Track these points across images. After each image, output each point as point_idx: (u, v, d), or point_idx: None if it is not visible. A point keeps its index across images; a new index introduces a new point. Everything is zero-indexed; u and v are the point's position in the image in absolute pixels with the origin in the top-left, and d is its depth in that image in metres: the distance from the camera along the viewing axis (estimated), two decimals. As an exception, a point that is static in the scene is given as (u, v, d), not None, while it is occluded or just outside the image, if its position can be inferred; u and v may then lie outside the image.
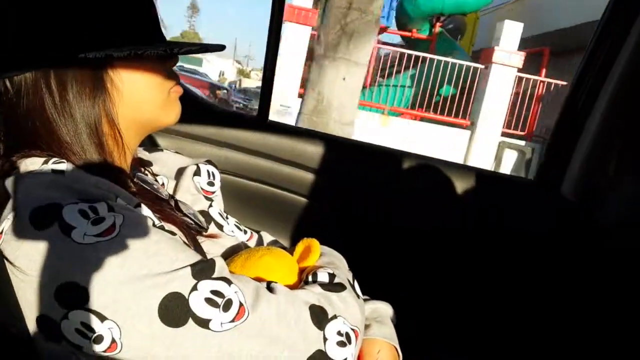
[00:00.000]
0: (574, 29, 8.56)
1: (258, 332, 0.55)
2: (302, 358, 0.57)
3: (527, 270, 1.30)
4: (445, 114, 7.79)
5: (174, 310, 0.51)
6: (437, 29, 8.80)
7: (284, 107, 6.89)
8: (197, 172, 0.87)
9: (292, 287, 0.69)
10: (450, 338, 1.33)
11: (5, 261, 0.52)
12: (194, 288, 0.53)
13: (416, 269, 1.35)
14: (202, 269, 0.54)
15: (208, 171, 0.90)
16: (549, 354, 1.27)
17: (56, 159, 0.59)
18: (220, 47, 0.72)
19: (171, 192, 0.83)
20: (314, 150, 1.31)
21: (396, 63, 7.80)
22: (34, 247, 0.51)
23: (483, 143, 7.53)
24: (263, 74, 1.37)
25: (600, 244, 1.21)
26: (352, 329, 0.63)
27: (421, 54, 7.66)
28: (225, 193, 0.96)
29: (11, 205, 0.54)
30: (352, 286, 0.72)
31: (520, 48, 7.66)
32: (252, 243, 0.93)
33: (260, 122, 1.36)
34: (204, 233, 0.78)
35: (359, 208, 1.34)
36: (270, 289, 0.61)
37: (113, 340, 0.51)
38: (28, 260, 0.51)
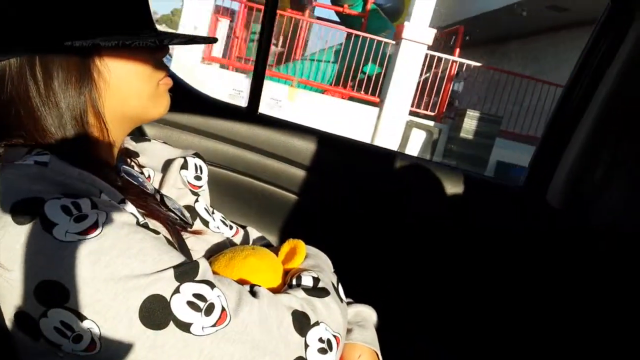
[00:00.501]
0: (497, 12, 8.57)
1: (240, 337, 0.54)
2: None
3: (511, 270, 1.32)
4: (363, 91, 7.66)
5: (155, 313, 0.50)
6: (370, 5, 8.56)
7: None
8: (185, 166, 0.86)
9: (276, 289, 0.68)
10: (435, 331, 1.35)
11: None
12: (176, 291, 0.52)
13: (402, 267, 1.35)
14: (185, 272, 0.53)
15: (196, 165, 0.89)
16: (534, 349, 1.30)
17: (39, 149, 0.57)
18: (211, 40, 0.71)
19: (157, 185, 0.82)
20: (304, 145, 1.30)
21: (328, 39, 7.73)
22: (14, 242, 0.49)
23: (390, 121, 7.30)
24: (255, 65, 1.35)
25: (585, 249, 1.22)
26: (333, 336, 0.63)
27: (347, 30, 7.56)
28: (212, 185, 0.95)
29: None
30: (336, 290, 0.71)
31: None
32: (237, 239, 0.92)
33: (251, 114, 1.35)
34: (189, 229, 0.77)
35: (347, 206, 1.34)
36: (253, 293, 0.60)
37: (92, 340, 0.50)
38: (8, 255, 0.49)
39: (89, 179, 0.57)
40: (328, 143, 1.33)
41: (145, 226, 0.57)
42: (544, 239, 1.29)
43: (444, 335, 1.35)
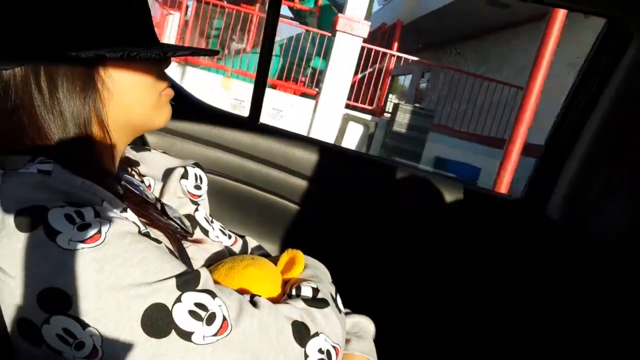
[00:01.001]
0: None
1: (240, 347, 0.55)
2: None
3: (507, 281, 1.32)
4: (306, 84, 7.64)
5: (157, 321, 0.51)
6: (321, 1, 8.58)
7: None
8: (185, 175, 0.86)
9: (275, 299, 0.69)
10: (433, 341, 1.35)
11: None
12: (178, 300, 0.52)
13: (400, 277, 1.35)
14: (187, 281, 0.54)
15: (195, 174, 0.89)
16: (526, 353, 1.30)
17: (42, 158, 0.57)
18: (213, 52, 0.72)
19: (157, 194, 0.82)
20: (304, 156, 1.31)
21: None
22: (18, 249, 0.50)
23: (326, 114, 7.20)
24: (256, 74, 1.36)
25: (582, 263, 1.22)
26: (333, 346, 0.63)
27: (298, 26, 7.58)
28: (212, 194, 0.95)
29: None
30: (335, 300, 0.72)
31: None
32: (236, 248, 0.92)
33: (251, 123, 1.35)
34: (189, 238, 0.77)
35: (346, 217, 1.34)
36: (253, 302, 0.60)
37: (94, 348, 0.50)
38: (11, 262, 0.50)
39: (92, 188, 0.57)
40: (328, 153, 1.34)
41: (147, 235, 0.58)
42: (542, 251, 1.29)
43: (442, 344, 1.35)
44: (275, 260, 0.77)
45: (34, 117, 0.58)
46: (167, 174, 0.86)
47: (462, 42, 11.12)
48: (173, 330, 0.51)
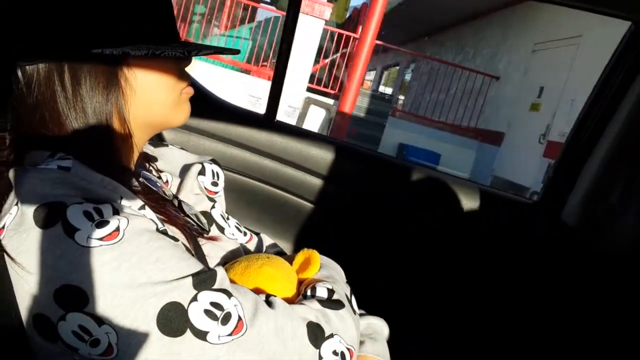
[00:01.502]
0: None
1: (255, 347, 0.55)
2: None
3: (520, 284, 1.31)
4: (269, 67, 7.49)
5: (173, 320, 0.51)
6: None
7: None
8: (202, 172, 0.87)
9: (290, 299, 0.69)
10: (447, 343, 1.35)
11: (6, 256, 0.51)
12: (194, 299, 0.52)
13: (415, 279, 1.35)
14: (204, 280, 0.54)
15: (213, 171, 0.89)
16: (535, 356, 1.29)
17: (62, 154, 0.58)
18: (234, 51, 0.72)
19: (175, 191, 0.83)
20: (320, 154, 1.31)
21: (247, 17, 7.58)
22: (36, 245, 0.50)
23: (287, 96, 6.88)
24: (274, 73, 1.36)
25: (597, 271, 1.21)
26: (347, 348, 0.63)
27: (271, 10, 7.40)
28: (228, 191, 0.96)
29: (14, 199, 0.53)
30: (350, 301, 0.71)
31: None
32: (251, 245, 0.93)
33: (268, 121, 1.35)
34: (206, 235, 0.77)
35: (361, 216, 1.34)
36: (269, 303, 0.60)
37: (110, 345, 0.50)
38: (29, 258, 0.50)
39: (111, 184, 0.58)
40: (344, 153, 1.33)
41: (165, 233, 0.58)
42: (555, 256, 1.28)
43: (456, 346, 1.34)
44: (290, 259, 0.77)
45: (55, 113, 0.58)
46: (185, 170, 0.86)
47: (442, 32, 11.17)
48: (188, 329, 0.51)
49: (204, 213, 0.82)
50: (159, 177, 0.81)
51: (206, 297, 0.53)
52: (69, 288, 0.49)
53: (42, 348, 0.53)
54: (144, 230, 0.54)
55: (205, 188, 0.86)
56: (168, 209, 0.68)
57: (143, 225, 0.54)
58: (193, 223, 0.75)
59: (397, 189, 1.33)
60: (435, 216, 1.33)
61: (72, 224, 0.50)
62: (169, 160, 0.88)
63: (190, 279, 0.53)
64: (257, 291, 0.64)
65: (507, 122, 7.47)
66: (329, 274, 0.75)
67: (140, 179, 0.71)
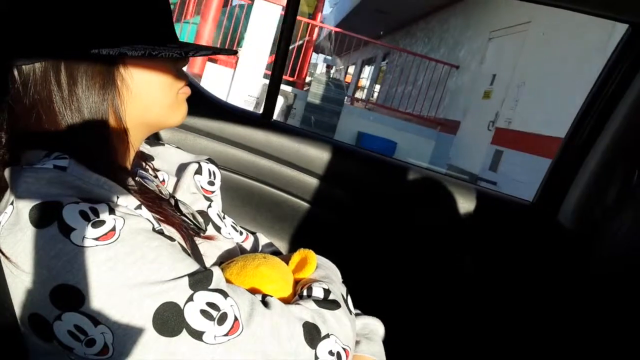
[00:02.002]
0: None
1: (251, 348, 0.55)
2: None
3: (515, 285, 1.31)
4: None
5: (169, 320, 0.51)
6: None
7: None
8: (199, 171, 0.87)
9: (286, 299, 0.68)
10: (440, 343, 1.35)
11: (1, 255, 0.51)
12: (190, 299, 0.52)
13: (409, 277, 1.35)
14: (200, 280, 0.54)
15: (209, 170, 0.89)
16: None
17: (58, 153, 0.58)
18: (232, 52, 0.72)
19: (171, 190, 0.82)
20: (317, 154, 1.31)
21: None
22: (32, 245, 0.50)
23: (244, 83, 6.87)
24: (272, 72, 1.36)
25: (593, 272, 1.21)
26: (343, 348, 0.63)
27: None
28: (224, 190, 0.95)
29: (9, 198, 0.53)
30: (346, 302, 0.71)
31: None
32: (247, 245, 0.93)
33: (265, 121, 1.35)
34: (202, 234, 0.77)
35: (358, 216, 1.34)
36: (265, 303, 0.60)
37: (105, 345, 0.50)
38: (25, 257, 0.50)
39: (107, 184, 0.57)
40: (341, 152, 1.34)
41: (161, 233, 0.58)
42: (552, 257, 1.28)
43: (450, 345, 1.35)
44: (286, 259, 0.77)
45: (51, 113, 0.58)
46: (181, 169, 0.86)
47: (414, 24, 11.39)
48: (184, 329, 0.51)
49: (201, 212, 0.82)
50: (156, 177, 0.81)
51: (202, 297, 0.53)
52: (64, 288, 0.49)
53: (37, 347, 0.53)
54: (140, 230, 0.54)
55: (202, 187, 0.86)
56: (164, 208, 0.68)
57: (139, 225, 0.54)
58: (189, 222, 0.75)
59: (394, 189, 1.33)
60: (431, 216, 1.34)
61: (67, 224, 0.50)
62: (165, 160, 0.88)
63: (186, 279, 0.53)
64: (253, 291, 0.64)
65: (463, 111, 7.63)
66: (325, 274, 0.75)
67: (137, 178, 0.71)
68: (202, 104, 1.32)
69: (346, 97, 8.13)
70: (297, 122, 7.23)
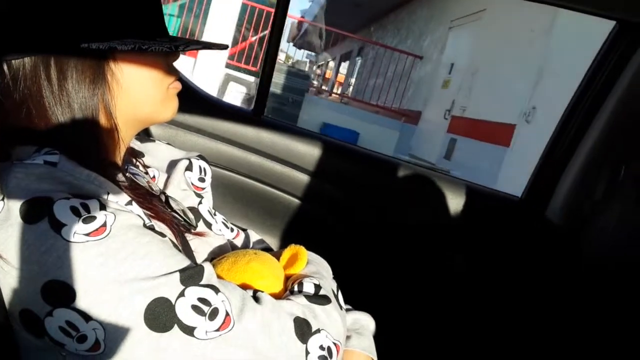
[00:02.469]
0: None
1: (242, 343, 0.55)
2: None
3: (505, 280, 1.32)
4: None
5: (160, 316, 0.51)
6: None
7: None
8: (189, 167, 0.86)
9: (277, 294, 0.69)
10: (432, 339, 1.36)
11: None
12: (181, 294, 0.52)
13: (401, 274, 1.36)
14: (191, 276, 0.54)
15: (200, 166, 0.89)
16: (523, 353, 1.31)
17: (49, 149, 0.57)
18: (223, 46, 0.72)
19: (162, 186, 0.82)
20: (308, 150, 1.31)
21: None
22: (23, 240, 0.50)
23: (204, 72, 6.80)
24: (262, 68, 1.36)
25: (582, 266, 1.23)
26: (334, 343, 0.63)
27: None
28: (215, 187, 0.95)
29: (0, 193, 0.53)
30: (336, 297, 0.72)
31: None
32: (238, 241, 0.93)
33: (256, 117, 1.35)
34: (193, 231, 0.77)
35: (348, 212, 1.34)
36: (256, 298, 0.61)
37: (97, 341, 0.50)
38: (15, 253, 0.50)
39: (98, 180, 0.57)
40: (332, 149, 1.34)
41: (152, 228, 0.58)
42: (540, 253, 1.29)
43: (441, 342, 1.35)
44: (277, 255, 0.77)
45: (41, 108, 0.58)
46: (172, 165, 0.86)
47: (385, 16, 11.50)
48: (176, 325, 0.52)
49: (191, 209, 0.82)
50: (146, 173, 0.81)
51: (194, 293, 0.53)
52: (55, 284, 0.49)
53: (28, 343, 0.53)
54: (131, 226, 0.54)
55: (192, 184, 0.86)
56: (155, 204, 0.68)
57: (130, 220, 0.54)
58: (180, 219, 0.75)
59: (384, 185, 1.34)
60: (422, 213, 1.34)
61: (58, 220, 0.50)
62: (155, 156, 0.87)
63: (177, 274, 0.53)
64: (244, 287, 0.64)
65: (424, 101, 7.74)
66: (316, 269, 0.75)
67: (127, 174, 0.71)
68: (193, 100, 1.32)
69: (316, 89, 8.19)
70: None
